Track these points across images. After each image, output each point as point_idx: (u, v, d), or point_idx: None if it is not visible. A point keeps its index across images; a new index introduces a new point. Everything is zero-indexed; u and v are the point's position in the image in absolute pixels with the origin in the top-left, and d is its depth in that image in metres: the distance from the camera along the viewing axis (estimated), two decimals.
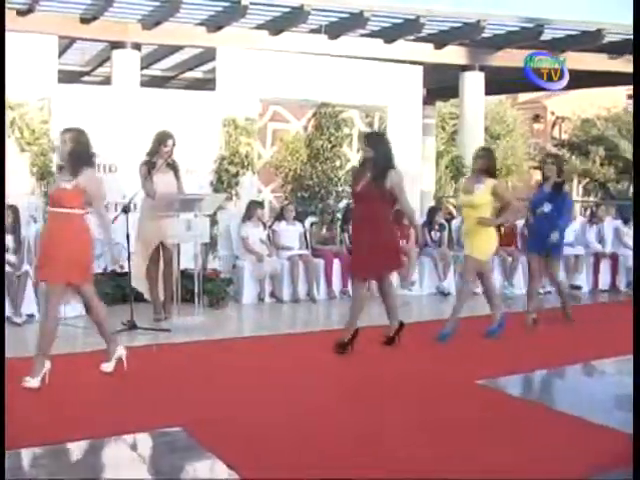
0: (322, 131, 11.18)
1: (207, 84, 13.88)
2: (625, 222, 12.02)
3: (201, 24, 11.94)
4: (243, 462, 4.23)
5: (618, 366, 6.91)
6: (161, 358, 6.88)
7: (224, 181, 10.15)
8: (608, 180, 26.30)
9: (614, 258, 11.70)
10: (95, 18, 11.34)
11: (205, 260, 9.60)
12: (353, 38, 12.61)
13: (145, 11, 11.39)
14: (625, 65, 13.35)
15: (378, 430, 4.89)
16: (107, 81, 13.21)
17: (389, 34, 12.65)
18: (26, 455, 4.38)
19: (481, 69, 13.60)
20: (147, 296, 8.58)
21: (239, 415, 5.13)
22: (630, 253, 11.41)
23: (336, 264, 10.34)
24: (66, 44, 12.77)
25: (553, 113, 32.34)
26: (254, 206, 10.15)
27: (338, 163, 11.31)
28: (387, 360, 6.82)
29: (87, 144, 5.88)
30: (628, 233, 11.76)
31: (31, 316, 8.17)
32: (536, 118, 34.27)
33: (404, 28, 12.44)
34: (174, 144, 8.32)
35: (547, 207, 8.35)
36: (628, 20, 9.61)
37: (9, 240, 8.29)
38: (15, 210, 8.43)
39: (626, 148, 25.01)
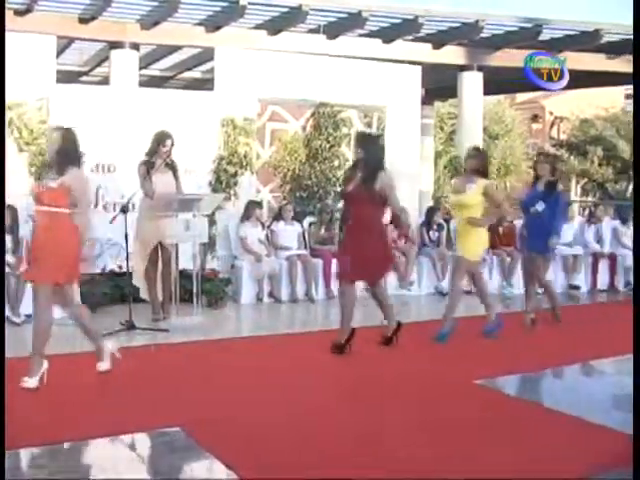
0: (320, 131, 11.19)
1: (205, 84, 13.89)
2: (623, 222, 12.03)
3: (199, 24, 11.92)
4: (242, 462, 4.23)
5: (617, 366, 6.92)
6: (160, 358, 6.88)
7: (223, 181, 10.15)
8: (606, 180, 26.32)
9: (612, 258, 11.71)
10: (93, 18, 11.32)
11: (204, 260, 9.61)
12: (351, 38, 12.59)
13: (143, 11, 11.37)
14: (623, 65, 13.34)
15: (377, 430, 4.89)
16: (105, 81, 13.19)
17: (387, 34, 12.64)
18: (25, 455, 4.38)
19: (479, 69, 13.59)
20: (145, 296, 8.58)
21: (238, 415, 5.13)
22: (628, 253, 11.43)
23: (335, 264, 10.31)
24: (64, 44, 12.76)
25: (551, 113, 32.37)
26: (252, 206, 10.15)
27: (337, 163, 11.32)
28: (386, 360, 6.82)
29: (75, 143, 5.81)
30: (626, 233, 11.78)
31: (30, 316, 8.12)
32: (534, 118, 34.31)
33: (402, 28, 12.43)
34: (173, 144, 8.32)
35: (540, 206, 8.26)
36: (626, 20, 9.64)
37: (7, 240, 8.28)
38: (14, 210, 8.43)
39: (624, 148, 25.03)
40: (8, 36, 7.54)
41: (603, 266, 11.73)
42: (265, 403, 5.41)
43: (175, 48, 13.78)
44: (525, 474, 4.17)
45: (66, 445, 4.55)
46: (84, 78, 15.95)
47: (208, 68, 13.83)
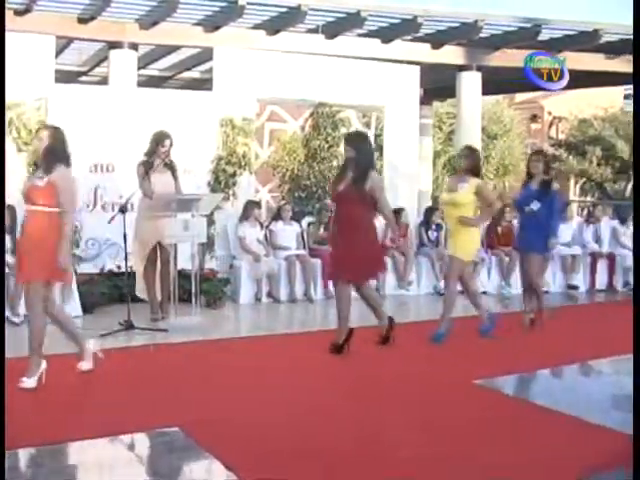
0: (319, 131, 11.19)
1: (204, 84, 13.88)
2: (622, 222, 12.05)
3: (198, 24, 11.92)
4: (241, 462, 4.23)
5: (615, 366, 6.93)
6: (158, 358, 6.87)
7: (221, 181, 10.15)
8: (605, 180, 26.33)
9: (611, 258, 11.73)
10: (92, 18, 11.32)
11: (202, 260, 9.60)
12: (350, 38, 12.59)
13: (142, 11, 11.37)
14: (622, 65, 13.35)
15: (376, 430, 4.89)
16: (104, 81, 13.18)
17: (386, 34, 12.64)
18: (24, 455, 4.38)
19: (478, 69, 13.59)
20: (144, 296, 8.58)
21: (237, 415, 5.12)
22: (627, 253, 11.46)
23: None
24: (63, 44, 12.75)
25: (550, 113, 32.39)
26: (251, 206, 10.15)
27: (335, 163, 11.32)
28: (384, 360, 6.82)
29: (63, 142, 5.78)
30: (625, 233, 11.80)
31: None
32: (533, 118, 34.32)
33: (401, 28, 12.42)
34: (171, 144, 8.32)
35: (535, 205, 8.17)
36: (625, 20, 9.64)
37: (7, 240, 8.27)
38: (13, 210, 8.42)
39: (623, 148, 25.05)
40: (7, 36, 7.53)
41: (602, 266, 11.75)
42: (264, 403, 5.40)
43: (174, 48, 13.77)
44: (524, 474, 4.17)
45: (65, 445, 4.55)
46: (83, 78, 15.94)
47: (207, 68, 13.82)
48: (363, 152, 7.02)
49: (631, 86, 14.98)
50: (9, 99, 8.81)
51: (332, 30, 12.30)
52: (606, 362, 7.09)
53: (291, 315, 9.66)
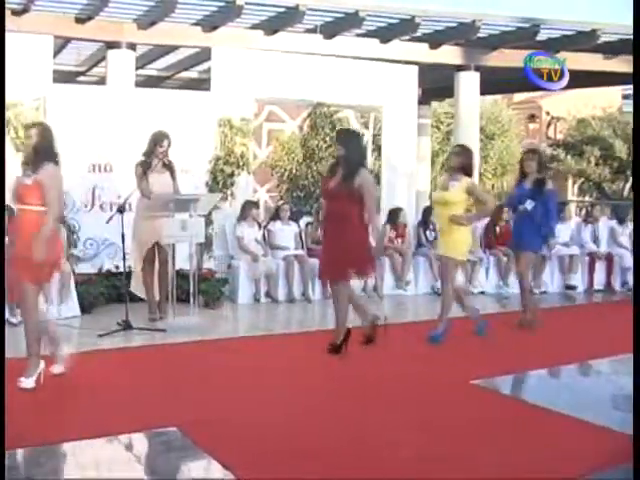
0: (317, 131, 11.21)
1: (202, 84, 13.88)
2: (620, 222, 12.06)
3: (196, 24, 11.91)
4: (238, 462, 4.23)
5: (614, 366, 6.93)
6: (156, 358, 6.87)
7: (219, 181, 10.15)
8: (603, 180, 26.30)
9: (609, 258, 11.73)
10: (90, 18, 11.32)
11: (200, 260, 9.59)
12: (348, 38, 12.59)
13: (140, 11, 11.37)
14: (620, 65, 13.36)
15: (373, 430, 4.89)
16: (102, 81, 13.18)
17: (384, 34, 12.64)
18: (22, 455, 4.37)
19: (476, 69, 13.59)
20: (139, 293, 8.58)
21: (235, 415, 5.13)
22: (625, 253, 11.47)
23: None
24: (61, 44, 12.74)
25: (548, 113, 32.32)
26: (249, 206, 10.15)
27: None
28: (382, 360, 6.81)
29: (51, 140, 5.73)
30: (623, 233, 11.81)
31: None
32: (531, 118, 34.28)
33: (399, 28, 12.43)
34: (170, 144, 8.32)
35: (529, 204, 8.10)
36: (623, 20, 9.66)
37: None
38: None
39: (621, 148, 25.02)
40: (5, 36, 7.53)
41: (600, 266, 11.75)
42: (262, 403, 5.40)
43: (172, 48, 13.77)
44: (524, 474, 4.17)
45: (63, 445, 4.55)
46: (81, 78, 15.94)
47: (205, 68, 13.83)
48: (353, 149, 6.98)
49: (629, 86, 15.02)
50: (7, 99, 8.79)
51: (330, 30, 12.30)
52: (604, 362, 7.09)
53: (289, 315, 9.66)
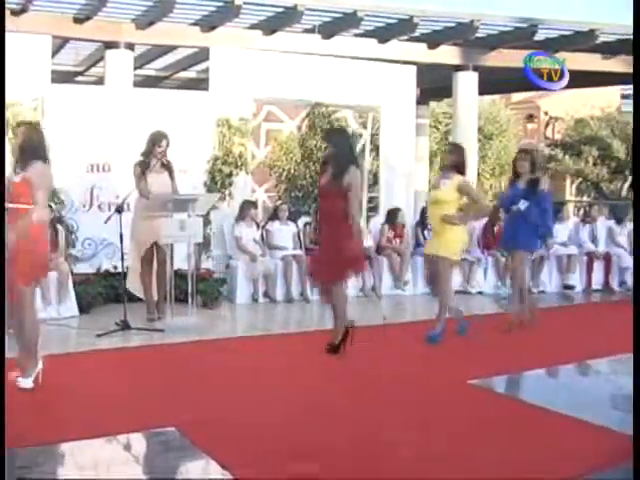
0: (316, 131, 11.18)
1: (201, 84, 13.87)
2: (618, 222, 12.06)
3: (195, 24, 11.92)
4: (237, 462, 4.23)
5: (613, 365, 6.93)
6: (155, 358, 6.87)
7: (218, 181, 10.14)
8: (601, 180, 26.29)
9: (607, 258, 11.73)
10: (88, 18, 11.32)
11: (198, 260, 9.58)
12: (347, 38, 12.60)
13: (139, 11, 11.37)
14: (619, 65, 13.37)
15: (372, 430, 4.89)
16: (100, 81, 13.18)
17: (383, 34, 12.65)
18: (21, 455, 4.37)
19: (475, 69, 13.60)
20: (136, 291, 8.58)
21: (233, 415, 5.12)
22: (623, 253, 11.47)
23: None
24: (59, 44, 12.74)
25: (546, 113, 32.31)
26: (248, 206, 10.15)
27: None
28: (380, 360, 6.82)
29: (39, 139, 5.70)
30: (621, 233, 11.82)
31: None
32: (529, 118, 34.28)
33: (398, 28, 12.44)
34: (168, 144, 8.31)
35: (523, 204, 7.99)
36: (622, 20, 9.66)
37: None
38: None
39: (619, 148, 25.01)
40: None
41: (598, 266, 11.75)
42: (260, 403, 5.40)
43: (170, 48, 13.78)
44: (523, 474, 4.17)
45: (61, 445, 4.54)
46: (79, 78, 15.94)
47: (203, 68, 13.83)
48: (342, 148, 6.97)
49: (628, 86, 15.04)
50: (6, 99, 8.79)
51: (329, 30, 12.31)
52: (603, 362, 7.09)
53: (287, 315, 9.66)
